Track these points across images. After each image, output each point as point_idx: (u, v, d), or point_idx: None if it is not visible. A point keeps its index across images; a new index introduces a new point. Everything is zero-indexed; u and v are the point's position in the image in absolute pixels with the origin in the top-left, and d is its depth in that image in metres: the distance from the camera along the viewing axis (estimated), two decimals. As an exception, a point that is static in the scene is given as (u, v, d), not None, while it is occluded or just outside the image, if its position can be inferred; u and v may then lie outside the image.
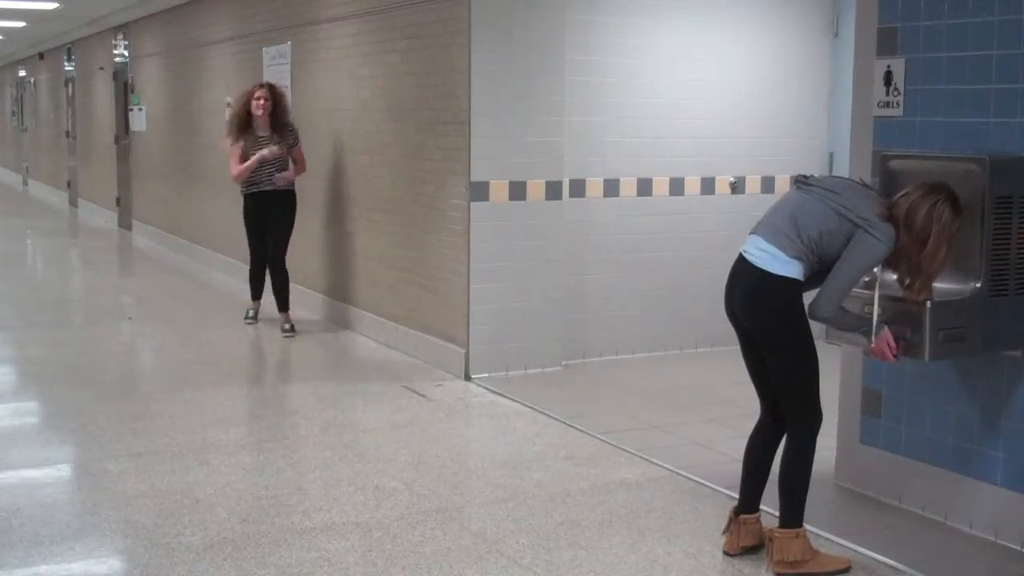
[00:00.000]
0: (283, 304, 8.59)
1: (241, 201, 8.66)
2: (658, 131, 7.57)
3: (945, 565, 4.23)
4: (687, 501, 4.87)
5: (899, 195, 3.97)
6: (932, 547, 4.39)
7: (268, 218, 8.49)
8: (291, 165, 8.45)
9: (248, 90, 8.50)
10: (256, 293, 8.91)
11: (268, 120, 8.36)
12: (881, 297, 4.05)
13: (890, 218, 3.88)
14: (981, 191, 4.08)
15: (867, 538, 4.39)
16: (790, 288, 3.92)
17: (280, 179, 8.35)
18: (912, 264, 3.89)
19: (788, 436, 4.08)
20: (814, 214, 3.92)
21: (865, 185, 4.16)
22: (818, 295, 3.91)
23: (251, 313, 8.91)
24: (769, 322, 3.98)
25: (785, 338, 3.97)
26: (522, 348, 7.10)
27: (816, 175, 4.12)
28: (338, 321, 8.77)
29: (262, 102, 8.32)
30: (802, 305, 3.95)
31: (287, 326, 8.52)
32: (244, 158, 8.32)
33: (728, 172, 7.81)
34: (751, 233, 4.08)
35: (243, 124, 8.38)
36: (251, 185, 8.43)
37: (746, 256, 4.02)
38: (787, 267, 3.91)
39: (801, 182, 4.07)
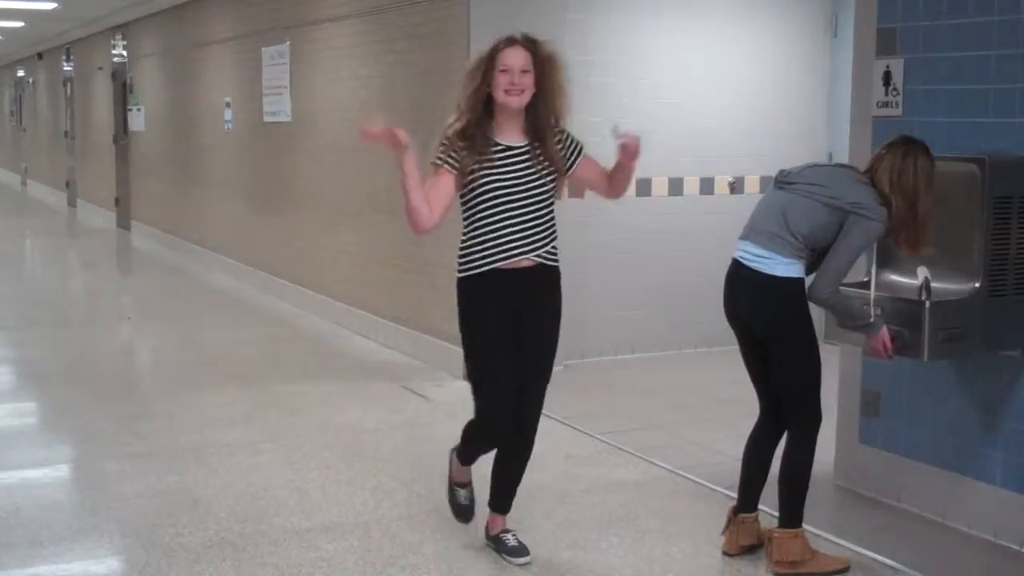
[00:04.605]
0: (506, 500, 4.31)
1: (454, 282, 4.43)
2: (658, 131, 7.53)
3: (944, 565, 4.24)
4: (687, 501, 4.87)
5: (875, 165, 3.96)
6: (931, 547, 4.39)
7: (521, 321, 4.03)
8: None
9: (486, 52, 4.03)
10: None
11: (525, 116, 4.04)
12: (878, 298, 4.06)
13: (877, 193, 3.89)
14: (981, 191, 4.09)
15: (866, 538, 4.39)
16: (795, 287, 3.94)
17: (540, 248, 4.03)
18: (910, 228, 3.91)
19: (789, 436, 4.09)
20: (802, 212, 3.93)
21: (841, 165, 4.15)
22: (816, 277, 3.93)
23: (465, 496, 4.42)
24: (776, 322, 3.99)
25: (791, 337, 3.99)
26: (521, 348, 7.09)
27: (793, 169, 4.10)
28: (338, 321, 8.76)
29: (523, 79, 3.96)
30: (806, 303, 3.97)
31: (511, 539, 4.24)
32: (460, 178, 4.14)
33: (727, 172, 7.80)
34: (741, 238, 4.09)
35: (475, 121, 4.11)
36: (486, 255, 4.11)
37: (744, 262, 4.02)
38: (789, 268, 3.93)
39: (781, 181, 4.07)
